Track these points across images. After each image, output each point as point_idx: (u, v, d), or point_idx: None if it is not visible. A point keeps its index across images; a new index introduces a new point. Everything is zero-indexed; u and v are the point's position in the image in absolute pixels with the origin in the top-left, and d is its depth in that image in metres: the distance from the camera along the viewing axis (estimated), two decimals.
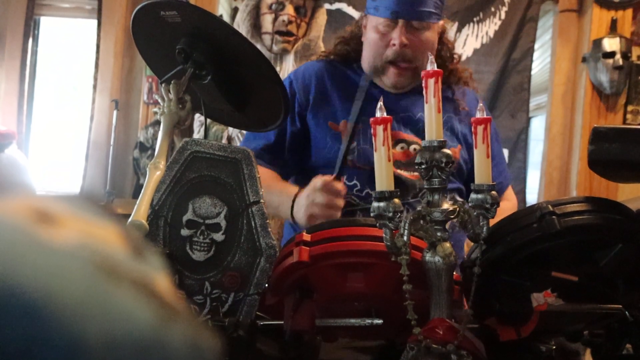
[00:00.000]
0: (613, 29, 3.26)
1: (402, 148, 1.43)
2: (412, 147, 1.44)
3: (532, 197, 3.50)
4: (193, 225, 0.85)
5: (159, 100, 0.91)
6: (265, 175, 1.38)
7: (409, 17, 1.41)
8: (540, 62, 3.66)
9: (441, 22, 1.51)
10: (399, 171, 1.40)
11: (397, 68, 1.44)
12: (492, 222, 0.79)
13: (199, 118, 3.11)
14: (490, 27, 3.38)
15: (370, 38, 1.48)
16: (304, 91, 1.49)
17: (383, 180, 0.76)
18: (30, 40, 3.51)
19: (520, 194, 3.31)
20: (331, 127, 1.45)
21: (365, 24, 1.52)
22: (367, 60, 1.50)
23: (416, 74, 1.45)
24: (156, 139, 0.91)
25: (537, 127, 3.78)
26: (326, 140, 1.44)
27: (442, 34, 1.53)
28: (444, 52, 1.54)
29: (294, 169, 1.52)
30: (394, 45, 1.42)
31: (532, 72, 3.41)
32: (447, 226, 0.76)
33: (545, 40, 3.63)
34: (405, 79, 1.46)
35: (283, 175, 1.50)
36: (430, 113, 0.76)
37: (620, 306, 0.84)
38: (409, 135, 1.44)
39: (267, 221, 0.85)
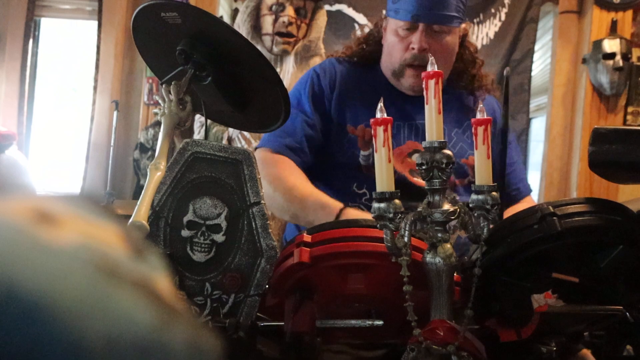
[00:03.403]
0: (613, 30, 3.26)
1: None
2: None
3: (532, 198, 3.49)
4: (194, 226, 0.85)
5: (160, 101, 0.91)
6: (297, 175, 1.34)
7: (429, 21, 1.38)
8: (541, 63, 3.66)
9: (463, 26, 1.48)
10: (416, 179, 1.39)
11: (414, 69, 1.42)
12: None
13: (199, 119, 3.11)
14: (491, 28, 3.38)
15: (389, 41, 1.45)
16: (330, 89, 1.46)
17: (383, 181, 0.76)
18: (31, 41, 3.51)
19: None
20: (349, 131, 1.42)
21: (385, 27, 1.49)
22: (386, 62, 1.48)
23: None
24: (156, 140, 0.92)
25: (538, 128, 3.79)
26: (343, 143, 1.43)
27: (463, 37, 1.49)
28: (466, 56, 1.51)
29: (315, 167, 1.47)
30: (413, 49, 1.40)
31: (533, 74, 3.41)
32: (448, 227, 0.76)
33: (546, 42, 3.63)
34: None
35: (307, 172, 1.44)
36: (431, 114, 0.76)
37: (621, 307, 0.84)
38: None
39: (268, 222, 0.85)
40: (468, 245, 1.43)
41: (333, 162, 1.43)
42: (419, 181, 1.38)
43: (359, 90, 1.47)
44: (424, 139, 1.43)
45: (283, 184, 1.33)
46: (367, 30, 1.59)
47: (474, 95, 1.52)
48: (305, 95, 1.45)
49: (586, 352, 0.94)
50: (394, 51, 1.44)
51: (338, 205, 1.27)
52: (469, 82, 1.51)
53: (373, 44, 1.53)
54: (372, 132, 0.77)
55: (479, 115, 0.78)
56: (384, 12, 1.55)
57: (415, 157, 1.41)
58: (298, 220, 1.36)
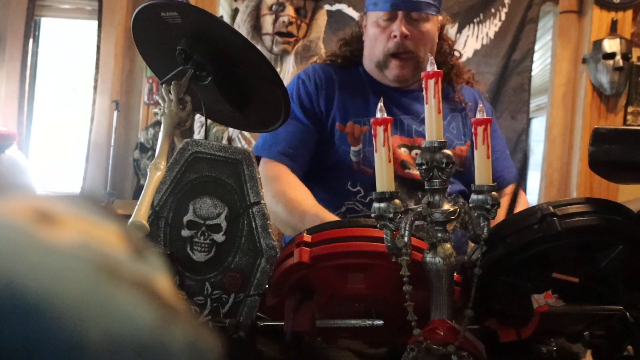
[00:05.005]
0: (613, 30, 3.26)
1: (405, 151, 1.44)
2: (414, 152, 1.45)
3: (532, 198, 3.50)
4: (194, 226, 0.85)
5: (160, 101, 0.91)
6: (299, 190, 1.36)
7: (407, 8, 1.43)
8: (541, 63, 3.66)
9: (440, 18, 1.52)
10: (407, 171, 1.40)
11: (399, 59, 1.46)
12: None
13: (199, 119, 3.11)
14: (491, 28, 3.38)
15: (371, 34, 1.49)
16: (316, 92, 1.50)
17: (383, 180, 0.76)
18: (31, 41, 3.51)
19: None
20: (338, 129, 1.45)
21: (365, 23, 1.53)
22: (369, 56, 1.52)
23: (418, 66, 1.46)
24: (157, 139, 0.92)
25: (538, 128, 3.78)
26: (333, 141, 1.45)
27: (441, 30, 1.54)
28: (444, 49, 1.56)
29: (310, 169, 1.50)
30: (394, 37, 1.43)
31: (533, 73, 3.41)
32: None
33: (546, 42, 3.63)
34: (408, 70, 1.47)
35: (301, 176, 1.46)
36: (431, 114, 0.76)
37: (621, 307, 0.84)
38: (410, 139, 1.45)
39: (268, 222, 0.85)
40: (465, 238, 1.44)
41: (326, 163, 1.45)
42: (410, 172, 1.39)
43: (344, 89, 1.50)
44: (409, 133, 1.46)
45: (284, 197, 1.34)
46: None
47: (453, 86, 1.56)
48: (294, 102, 1.48)
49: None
50: (377, 43, 1.48)
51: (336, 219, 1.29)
52: (448, 72, 1.55)
53: (355, 42, 1.56)
54: (372, 131, 0.77)
55: (478, 115, 0.78)
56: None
57: (404, 151, 1.43)
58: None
